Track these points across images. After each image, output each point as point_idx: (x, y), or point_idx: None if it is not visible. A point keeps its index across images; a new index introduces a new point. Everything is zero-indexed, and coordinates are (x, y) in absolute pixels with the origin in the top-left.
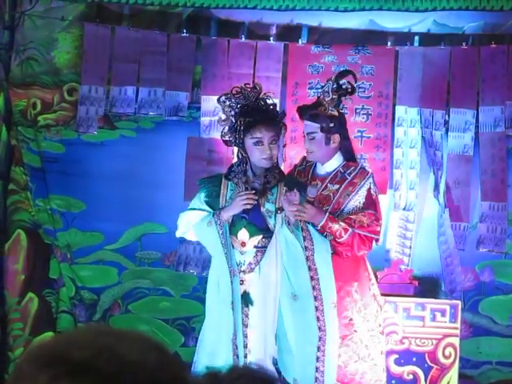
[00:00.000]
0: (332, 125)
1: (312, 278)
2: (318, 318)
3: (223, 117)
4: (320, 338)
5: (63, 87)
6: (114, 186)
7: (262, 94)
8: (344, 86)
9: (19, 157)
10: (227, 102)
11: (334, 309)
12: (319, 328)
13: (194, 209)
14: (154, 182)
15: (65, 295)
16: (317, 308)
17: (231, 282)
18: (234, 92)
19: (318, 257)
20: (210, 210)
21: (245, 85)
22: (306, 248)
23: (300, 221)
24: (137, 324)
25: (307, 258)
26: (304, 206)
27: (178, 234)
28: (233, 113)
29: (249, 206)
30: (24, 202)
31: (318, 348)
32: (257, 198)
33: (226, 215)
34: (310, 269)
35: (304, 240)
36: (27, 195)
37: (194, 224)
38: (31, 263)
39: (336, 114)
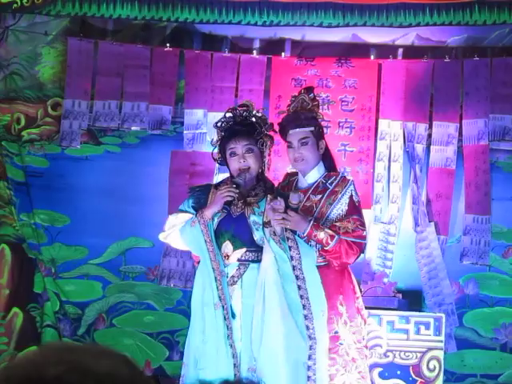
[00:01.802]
0: (320, 130)
1: (300, 287)
2: (307, 326)
3: (215, 138)
4: (311, 347)
5: (47, 102)
6: (99, 201)
7: (255, 111)
8: (318, 98)
9: (3, 171)
10: (219, 124)
11: (323, 317)
12: (309, 337)
13: (181, 210)
14: (138, 197)
15: (49, 310)
16: (306, 316)
17: (219, 282)
18: (226, 114)
19: (306, 266)
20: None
21: (239, 105)
22: (292, 258)
23: (286, 230)
24: (121, 338)
25: (294, 268)
26: (288, 213)
27: (161, 237)
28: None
29: (229, 198)
30: (8, 217)
31: (309, 357)
32: (237, 191)
33: (209, 212)
34: (297, 278)
35: (290, 249)
36: (11, 210)
37: (179, 228)
38: (16, 278)
39: (321, 118)
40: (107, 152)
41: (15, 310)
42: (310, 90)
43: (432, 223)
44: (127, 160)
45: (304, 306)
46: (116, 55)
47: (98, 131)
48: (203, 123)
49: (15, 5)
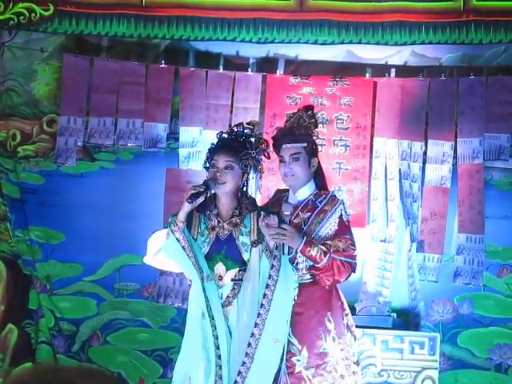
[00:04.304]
0: (314, 147)
1: (262, 306)
2: (249, 343)
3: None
4: (244, 363)
5: (43, 118)
6: (94, 218)
7: (258, 132)
8: (316, 116)
9: None
10: (218, 135)
11: (274, 344)
12: (246, 353)
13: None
14: (133, 214)
15: (44, 326)
16: (253, 334)
17: (204, 287)
18: (232, 128)
19: (278, 289)
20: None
21: (247, 123)
22: (270, 276)
23: (276, 248)
24: (115, 355)
25: (267, 286)
26: (283, 227)
27: (147, 260)
28: None
29: (193, 191)
30: (3, 233)
31: (239, 373)
32: (204, 187)
33: (181, 215)
34: (265, 296)
35: (272, 268)
36: (6, 226)
37: (162, 247)
38: (10, 294)
39: (316, 136)
40: (102, 168)
41: (10, 326)
42: (308, 108)
43: (414, 243)
44: (122, 176)
45: (256, 324)
46: (111, 72)
47: (92, 147)
48: (199, 141)
49: (12, 22)
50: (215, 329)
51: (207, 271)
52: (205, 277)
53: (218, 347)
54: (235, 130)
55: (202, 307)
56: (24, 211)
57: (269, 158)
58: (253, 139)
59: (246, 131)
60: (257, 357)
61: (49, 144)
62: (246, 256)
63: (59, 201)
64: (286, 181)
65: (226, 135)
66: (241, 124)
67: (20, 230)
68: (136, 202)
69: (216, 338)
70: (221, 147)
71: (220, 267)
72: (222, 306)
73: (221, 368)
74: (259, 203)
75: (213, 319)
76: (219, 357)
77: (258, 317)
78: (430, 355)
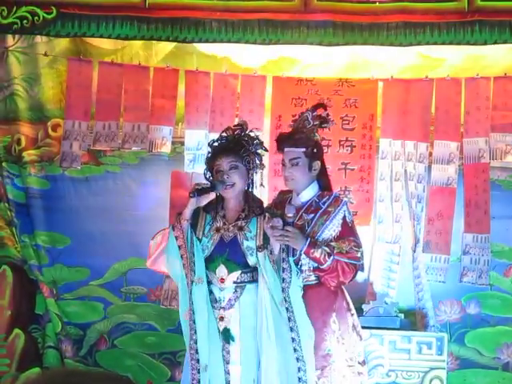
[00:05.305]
0: (315, 150)
1: (287, 310)
2: (294, 349)
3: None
4: (299, 369)
5: (47, 123)
6: (99, 222)
7: (248, 130)
8: (323, 115)
9: (4, 193)
10: (210, 143)
11: (310, 340)
12: (297, 359)
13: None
14: (139, 217)
15: (51, 331)
16: (293, 339)
17: (189, 291)
18: (221, 133)
19: (293, 290)
20: None
21: (235, 125)
22: (283, 280)
23: (282, 251)
24: (123, 359)
25: (283, 290)
26: (286, 229)
27: (148, 263)
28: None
29: (197, 187)
30: (9, 238)
31: (300, 379)
32: (209, 184)
33: (185, 213)
34: (285, 300)
35: (283, 271)
36: (12, 231)
37: (163, 250)
38: (17, 299)
39: (318, 139)
40: (107, 172)
41: (17, 331)
42: (315, 107)
43: (420, 244)
44: (127, 180)
45: (291, 329)
46: (116, 75)
47: (97, 151)
48: (204, 144)
49: (16, 26)
50: (195, 333)
51: (200, 274)
52: (195, 280)
53: (196, 351)
54: (225, 134)
55: (184, 310)
56: (30, 216)
57: (267, 150)
58: (245, 138)
59: (236, 132)
60: (306, 357)
61: (54, 148)
62: (250, 260)
63: (65, 205)
64: (287, 184)
65: (217, 142)
66: (229, 128)
67: (26, 235)
68: (142, 205)
69: (195, 342)
70: (219, 152)
71: (222, 269)
72: (224, 309)
73: (199, 372)
74: (265, 200)
75: (194, 323)
76: (198, 361)
77: (289, 321)
78: (437, 355)
